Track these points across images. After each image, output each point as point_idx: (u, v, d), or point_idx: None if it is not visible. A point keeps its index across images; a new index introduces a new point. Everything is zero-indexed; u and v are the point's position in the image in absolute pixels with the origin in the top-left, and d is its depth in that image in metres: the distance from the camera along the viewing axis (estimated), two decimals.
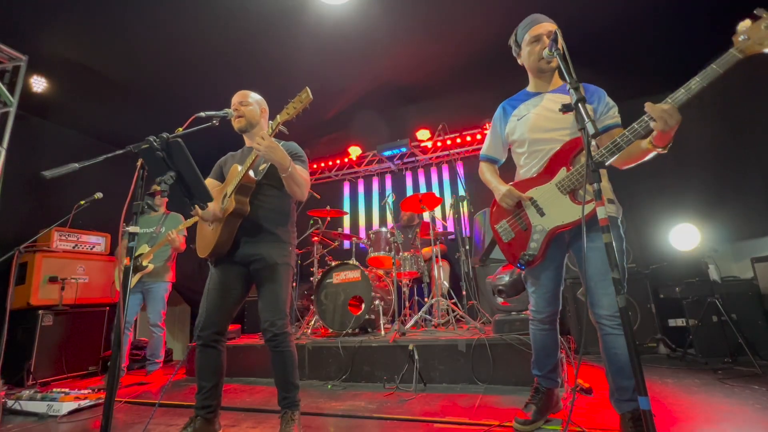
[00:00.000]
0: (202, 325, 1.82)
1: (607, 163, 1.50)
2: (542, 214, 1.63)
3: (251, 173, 1.87)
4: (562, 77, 1.72)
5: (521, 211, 1.69)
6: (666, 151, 1.43)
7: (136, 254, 3.37)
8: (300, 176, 1.84)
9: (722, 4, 3.37)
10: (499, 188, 1.73)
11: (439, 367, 2.69)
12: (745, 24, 1.14)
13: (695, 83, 1.27)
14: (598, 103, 1.65)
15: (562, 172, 1.59)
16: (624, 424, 1.53)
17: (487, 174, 1.87)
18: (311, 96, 1.68)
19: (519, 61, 1.83)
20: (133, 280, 3.38)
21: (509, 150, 1.90)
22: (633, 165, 1.60)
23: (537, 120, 1.69)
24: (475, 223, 4.17)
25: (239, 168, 1.86)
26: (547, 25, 1.66)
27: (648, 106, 1.34)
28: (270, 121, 1.80)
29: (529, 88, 1.83)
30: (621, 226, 1.62)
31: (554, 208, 1.60)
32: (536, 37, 1.66)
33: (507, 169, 1.93)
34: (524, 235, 1.67)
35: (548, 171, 1.63)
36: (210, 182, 2.03)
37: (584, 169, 1.46)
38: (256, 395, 2.71)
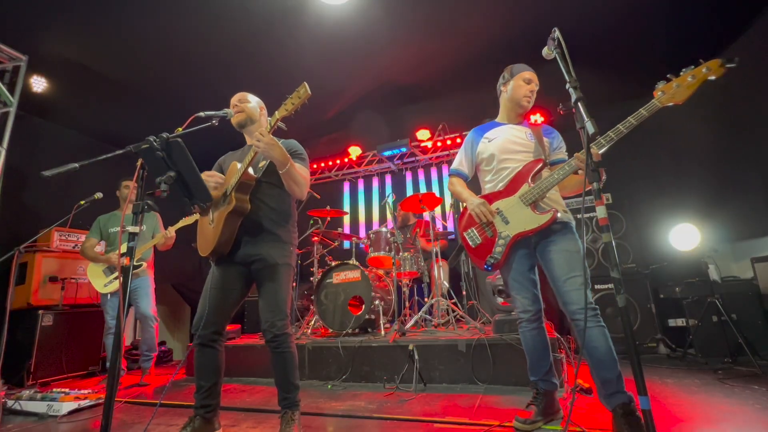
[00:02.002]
0: (202, 325, 1.81)
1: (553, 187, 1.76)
2: (507, 223, 1.82)
3: (250, 170, 1.86)
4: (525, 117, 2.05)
5: (488, 221, 1.88)
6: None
7: (112, 254, 3.32)
8: (299, 174, 1.83)
9: (721, 5, 3.37)
10: (472, 200, 1.92)
11: (439, 367, 2.69)
12: (661, 83, 1.51)
13: (628, 123, 1.52)
14: (554, 140, 1.97)
15: (525, 187, 1.81)
16: (616, 421, 1.53)
17: (458, 186, 2.06)
18: (309, 91, 1.67)
19: (501, 88, 2.04)
20: (115, 284, 3.28)
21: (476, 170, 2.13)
22: (572, 195, 1.94)
23: (506, 143, 1.94)
24: None
25: (238, 165, 1.86)
26: (535, 76, 1.96)
27: (576, 155, 1.64)
28: (269, 118, 1.80)
29: (499, 119, 2.06)
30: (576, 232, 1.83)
31: (517, 218, 1.80)
32: (528, 80, 1.94)
33: (471, 186, 2.09)
34: (490, 241, 1.86)
35: (512, 186, 1.86)
36: None
37: (543, 184, 1.75)
38: (256, 395, 2.71)
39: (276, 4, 3.30)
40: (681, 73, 1.48)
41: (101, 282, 3.33)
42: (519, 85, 1.94)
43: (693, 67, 1.47)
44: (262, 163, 1.94)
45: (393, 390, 2.61)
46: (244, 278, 1.91)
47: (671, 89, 1.48)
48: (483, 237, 1.89)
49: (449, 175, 2.14)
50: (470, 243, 1.94)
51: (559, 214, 1.75)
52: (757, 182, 3.58)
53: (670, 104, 1.49)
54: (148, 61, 3.88)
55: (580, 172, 1.67)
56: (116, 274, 3.29)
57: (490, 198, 1.90)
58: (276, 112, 1.75)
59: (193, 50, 3.78)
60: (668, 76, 1.49)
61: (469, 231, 1.95)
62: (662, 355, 3.27)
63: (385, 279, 3.72)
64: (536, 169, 1.83)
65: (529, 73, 1.94)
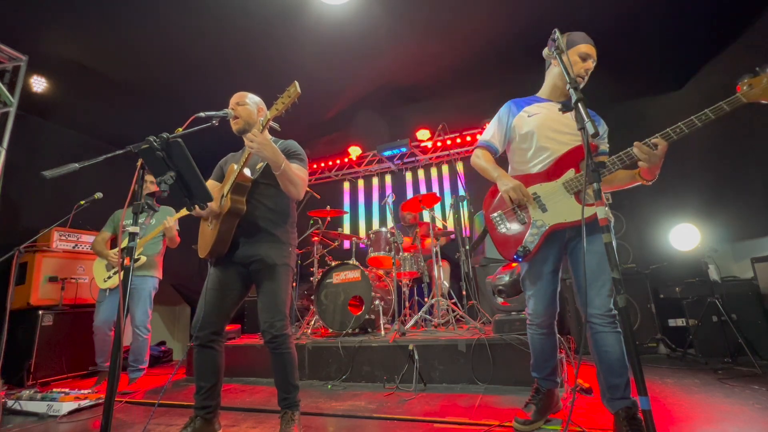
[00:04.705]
0: (200, 326, 1.81)
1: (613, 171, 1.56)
2: (544, 210, 1.65)
3: (247, 172, 1.86)
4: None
5: (522, 205, 1.71)
6: (650, 184, 1.58)
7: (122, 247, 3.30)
8: (294, 174, 1.81)
9: (722, 5, 3.37)
10: (505, 180, 1.70)
11: (439, 367, 2.69)
12: (747, 75, 1.36)
13: (705, 115, 1.40)
14: (599, 127, 1.68)
15: (570, 173, 1.63)
16: (618, 424, 1.53)
17: (484, 160, 1.81)
18: (299, 90, 1.67)
19: (551, 60, 1.77)
20: (114, 279, 3.22)
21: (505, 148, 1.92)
22: (614, 190, 1.72)
23: (548, 121, 1.73)
24: (475, 223, 4.17)
25: (235, 167, 1.86)
26: (593, 49, 1.70)
27: (636, 146, 1.48)
28: (261, 119, 1.79)
29: (541, 94, 1.86)
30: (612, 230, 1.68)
31: (558, 206, 1.63)
32: (586, 55, 1.68)
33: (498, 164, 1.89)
34: (521, 229, 1.69)
35: (555, 170, 1.67)
36: (210, 183, 2.02)
37: None
38: (256, 395, 2.71)
39: (276, 5, 3.30)
40: None
41: (102, 276, 3.31)
42: (575, 61, 1.67)
43: None
44: (260, 165, 1.94)
45: (393, 390, 2.61)
46: (243, 279, 1.91)
47: (761, 84, 1.32)
48: (512, 222, 1.72)
49: (476, 147, 1.89)
50: (497, 228, 1.74)
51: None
52: (757, 182, 3.57)
53: (762, 102, 1.33)
54: (148, 61, 3.88)
55: (640, 163, 1.51)
56: (115, 269, 3.26)
57: (527, 180, 1.70)
58: (267, 112, 1.75)
59: (194, 50, 3.77)
60: (757, 68, 1.35)
61: (498, 213, 1.74)
62: (662, 355, 3.27)
63: (385, 279, 3.72)
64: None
65: (586, 47, 1.67)
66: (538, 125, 1.73)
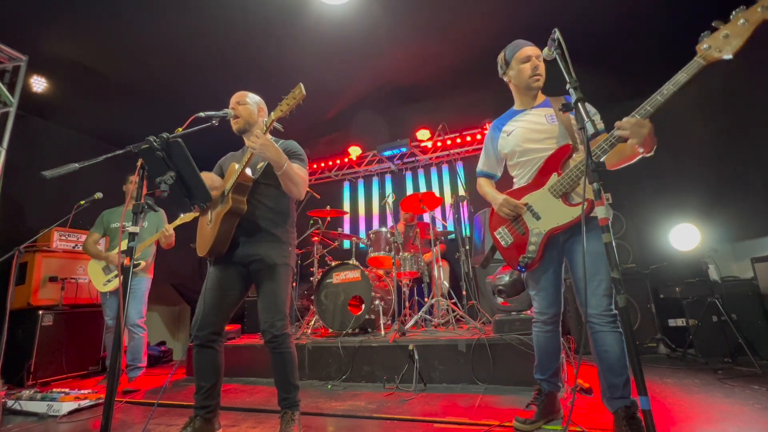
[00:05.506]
0: (199, 325, 1.81)
1: (602, 159, 1.54)
2: (538, 218, 1.71)
3: (248, 171, 1.86)
4: (544, 92, 1.89)
5: (519, 217, 1.77)
6: (651, 154, 1.49)
7: (113, 251, 3.28)
8: (296, 174, 1.82)
9: (722, 5, 3.37)
10: (497, 198, 1.83)
11: (439, 367, 2.68)
12: (705, 34, 1.30)
13: (668, 89, 1.34)
14: None
15: (554, 177, 1.68)
16: (617, 423, 1.53)
17: (485, 187, 1.99)
18: (304, 92, 1.68)
19: (505, 79, 1.93)
20: (115, 282, 3.24)
21: (505, 165, 2.02)
22: (622, 166, 1.68)
23: (525, 132, 1.81)
24: (476, 223, 4.17)
25: (237, 166, 1.86)
26: (533, 49, 1.81)
27: (617, 124, 1.42)
28: (264, 119, 1.79)
29: (516, 107, 1.94)
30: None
31: (549, 212, 1.68)
32: (526, 58, 1.79)
33: (504, 183, 2.01)
34: (522, 239, 1.75)
35: (540, 178, 1.73)
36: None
37: (573, 173, 1.59)
38: (256, 395, 2.71)
39: (276, 5, 3.30)
40: (731, 18, 1.25)
41: (101, 280, 3.31)
42: (520, 68, 1.79)
43: (744, 7, 1.22)
44: (261, 165, 1.94)
45: (393, 390, 2.61)
46: (242, 278, 1.91)
47: (718, 40, 1.25)
48: (515, 235, 1.77)
49: (477, 176, 2.07)
50: (502, 243, 1.82)
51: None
52: (757, 182, 3.57)
53: (722, 58, 1.25)
54: (147, 61, 3.88)
55: (630, 142, 1.44)
56: (115, 272, 3.27)
57: (518, 193, 1.79)
58: (272, 113, 1.76)
59: (193, 50, 3.78)
60: (714, 23, 1.26)
61: (500, 230, 1.83)
62: (662, 355, 3.27)
63: (385, 279, 3.72)
64: (564, 156, 1.67)
65: (524, 51, 1.78)
66: (517, 141, 1.82)
